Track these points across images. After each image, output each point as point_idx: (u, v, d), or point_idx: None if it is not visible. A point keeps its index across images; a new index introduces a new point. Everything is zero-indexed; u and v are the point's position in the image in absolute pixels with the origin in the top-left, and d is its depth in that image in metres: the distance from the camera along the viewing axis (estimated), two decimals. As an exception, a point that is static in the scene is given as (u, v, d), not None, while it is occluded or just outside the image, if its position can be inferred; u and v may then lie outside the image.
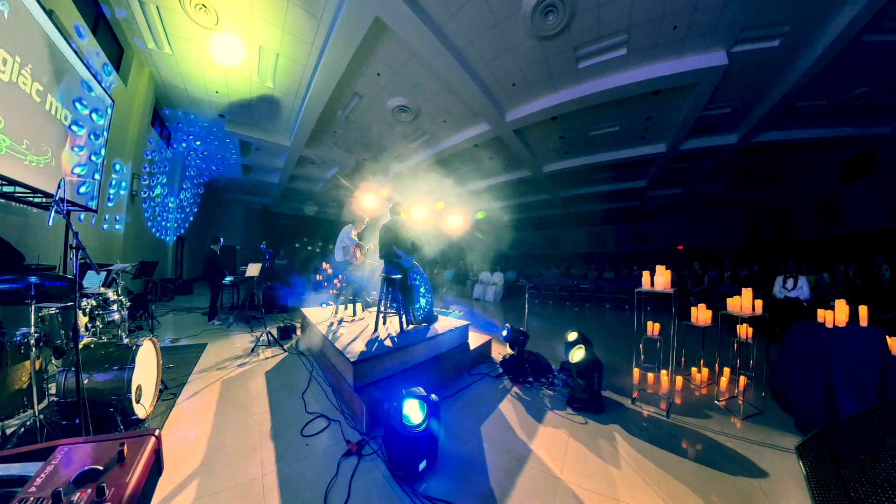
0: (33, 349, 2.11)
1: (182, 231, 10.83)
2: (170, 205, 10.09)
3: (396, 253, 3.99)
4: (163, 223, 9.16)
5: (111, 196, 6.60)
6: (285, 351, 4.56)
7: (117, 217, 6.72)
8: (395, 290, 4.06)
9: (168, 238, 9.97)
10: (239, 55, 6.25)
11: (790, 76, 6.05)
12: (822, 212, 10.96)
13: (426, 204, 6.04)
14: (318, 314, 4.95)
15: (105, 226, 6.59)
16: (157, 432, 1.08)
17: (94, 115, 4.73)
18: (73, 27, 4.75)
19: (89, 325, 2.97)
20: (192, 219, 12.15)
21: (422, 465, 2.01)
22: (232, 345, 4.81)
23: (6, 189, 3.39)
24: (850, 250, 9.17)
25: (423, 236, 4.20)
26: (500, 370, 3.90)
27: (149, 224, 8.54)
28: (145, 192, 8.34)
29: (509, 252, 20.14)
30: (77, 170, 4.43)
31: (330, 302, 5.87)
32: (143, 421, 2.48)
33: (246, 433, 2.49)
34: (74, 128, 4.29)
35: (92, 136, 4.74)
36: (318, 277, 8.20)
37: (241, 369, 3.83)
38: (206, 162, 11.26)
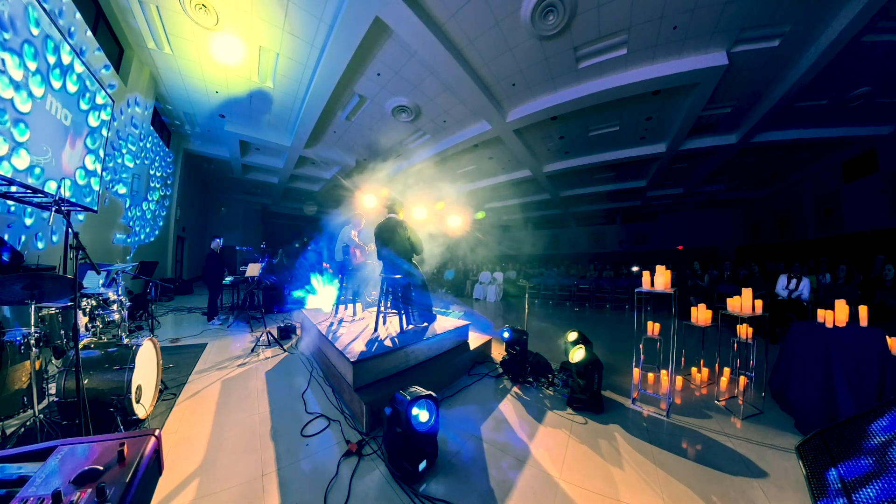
0: (33, 349, 2.11)
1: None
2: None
3: (394, 253, 3.98)
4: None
5: (113, 196, 6.60)
6: (285, 351, 4.56)
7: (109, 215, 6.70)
8: (395, 290, 4.05)
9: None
10: (239, 55, 6.25)
11: (790, 76, 6.05)
12: (822, 212, 10.96)
13: (426, 204, 6.04)
14: (318, 314, 4.95)
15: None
16: (157, 432, 1.07)
17: (93, 115, 4.74)
18: (73, 27, 4.74)
19: (89, 325, 2.97)
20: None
21: (422, 465, 2.01)
22: (232, 345, 4.81)
23: (6, 189, 3.39)
24: (851, 250, 9.16)
25: (421, 236, 4.19)
26: (500, 370, 3.90)
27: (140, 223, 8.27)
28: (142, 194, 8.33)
29: (509, 252, 20.15)
30: (77, 171, 4.44)
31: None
32: (143, 421, 2.48)
33: (246, 433, 2.49)
34: (74, 128, 4.30)
35: (92, 136, 4.74)
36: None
37: (241, 369, 3.83)
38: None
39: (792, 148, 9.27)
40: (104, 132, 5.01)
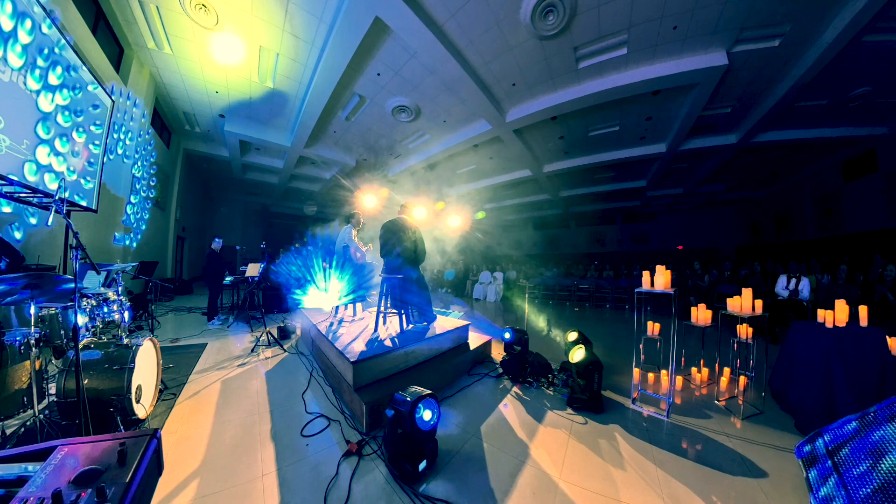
0: (33, 349, 2.11)
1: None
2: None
3: (398, 253, 3.98)
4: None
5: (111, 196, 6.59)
6: (285, 351, 4.56)
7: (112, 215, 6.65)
8: (395, 290, 4.05)
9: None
10: (239, 55, 6.25)
11: (790, 76, 6.05)
12: (822, 212, 10.96)
13: (425, 204, 6.05)
14: (318, 314, 4.95)
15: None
16: (157, 432, 1.07)
17: (93, 115, 4.73)
18: (72, 27, 4.74)
19: (89, 325, 2.97)
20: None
21: (422, 466, 2.01)
22: (232, 345, 4.81)
23: (6, 189, 3.39)
24: (851, 250, 9.17)
25: (423, 239, 4.17)
26: (500, 370, 3.90)
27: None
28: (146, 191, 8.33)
29: (509, 252, 20.16)
30: (77, 170, 4.43)
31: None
32: (143, 421, 2.48)
33: (246, 433, 2.49)
34: (74, 128, 4.29)
35: (92, 136, 4.74)
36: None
37: (241, 369, 3.83)
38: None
39: (792, 148, 9.27)
40: (104, 133, 4.99)
